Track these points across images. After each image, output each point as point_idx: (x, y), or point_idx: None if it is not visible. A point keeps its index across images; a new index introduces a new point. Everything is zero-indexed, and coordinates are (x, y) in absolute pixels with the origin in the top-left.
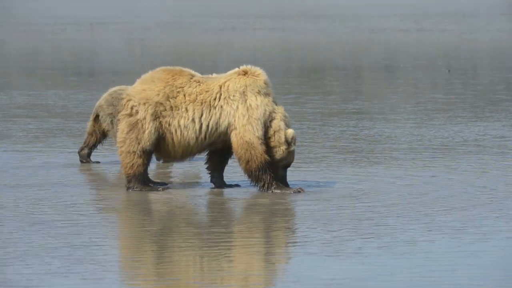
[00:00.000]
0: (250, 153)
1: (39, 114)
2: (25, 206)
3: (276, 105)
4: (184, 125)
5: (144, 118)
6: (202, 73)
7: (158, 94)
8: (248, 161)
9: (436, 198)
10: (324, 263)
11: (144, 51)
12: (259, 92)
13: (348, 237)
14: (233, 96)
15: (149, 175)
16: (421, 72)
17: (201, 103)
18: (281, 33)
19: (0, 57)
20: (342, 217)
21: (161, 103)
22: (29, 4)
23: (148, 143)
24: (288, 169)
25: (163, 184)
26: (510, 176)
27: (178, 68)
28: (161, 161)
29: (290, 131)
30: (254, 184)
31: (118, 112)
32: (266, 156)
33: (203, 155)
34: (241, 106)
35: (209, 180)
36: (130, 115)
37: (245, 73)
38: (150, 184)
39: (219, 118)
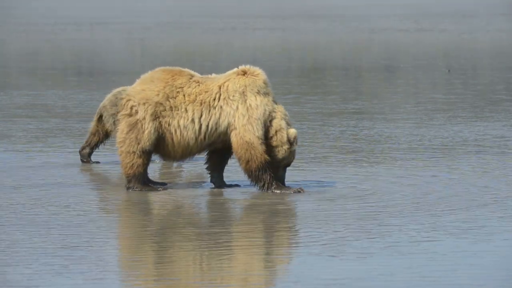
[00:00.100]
0: (250, 153)
1: (39, 114)
2: (25, 206)
3: (276, 104)
4: (184, 126)
5: (144, 118)
6: (202, 73)
7: (158, 94)
8: (248, 161)
9: (438, 198)
10: (325, 263)
11: (144, 51)
12: (258, 92)
13: (349, 237)
14: (233, 96)
15: (150, 176)
16: (421, 72)
17: (201, 104)
18: (281, 33)
19: (0, 57)
20: (343, 217)
21: (161, 103)
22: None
23: (147, 143)
24: (289, 169)
25: (163, 184)
26: (511, 176)
27: (177, 68)
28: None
29: (293, 131)
30: (254, 184)
31: (118, 112)
32: (266, 156)
33: (203, 155)
34: (241, 106)
35: (209, 180)
36: (130, 115)
37: (244, 73)
38: (150, 184)
39: (219, 118)
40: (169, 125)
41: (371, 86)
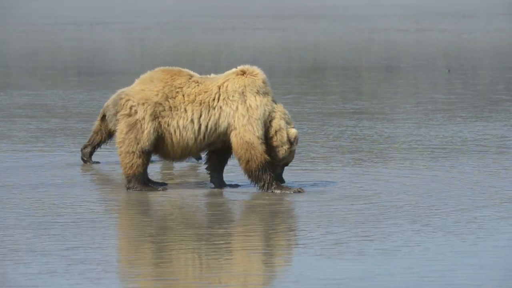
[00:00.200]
0: (250, 153)
1: (39, 114)
2: (25, 206)
3: (275, 103)
4: (183, 126)
5: (143, 118)
6: (202, 73)
7: (157, 94)
8: (248, 161)
9: (438, 198)
10: (324, 263)
11: (144, 51)
12: (258, 92)
13: (349, 237)
14: (232, 96)
15: (150, 176)
16: (421, 72)
17: (200, 104)
18: (281, 33)
19: (0, 57)
20: (343, 217)
21: (160, 103)
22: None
23: (147, 143)
24: (288, 169)
25: (163, 184)
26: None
27: (176, 68)
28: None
29: (293, 131)
30: (254, 184)
31: (117, 112)
32: (266, 156)
33: (203, 155)
34: (241, 107)
35: (209, 180)
36: (129, 115)
37: (243, 73)
38: (150, 184)
39: (218, 118)
40: (168, 125)
41: (371, 86)
